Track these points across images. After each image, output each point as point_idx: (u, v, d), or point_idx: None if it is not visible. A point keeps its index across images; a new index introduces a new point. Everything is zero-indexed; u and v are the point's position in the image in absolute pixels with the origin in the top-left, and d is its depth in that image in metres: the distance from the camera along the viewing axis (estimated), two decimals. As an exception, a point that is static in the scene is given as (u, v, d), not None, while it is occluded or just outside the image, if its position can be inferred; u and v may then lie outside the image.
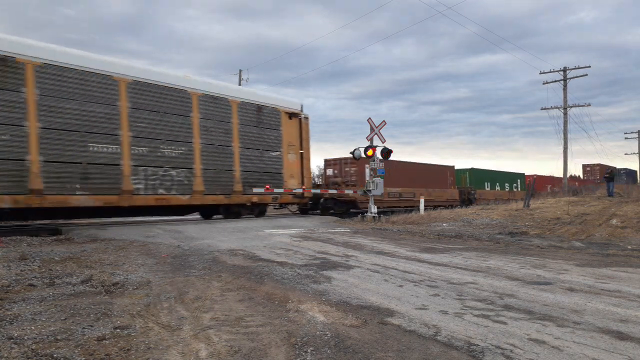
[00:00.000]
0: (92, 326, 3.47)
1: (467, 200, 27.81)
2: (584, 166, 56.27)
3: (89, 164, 11.18)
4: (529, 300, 4.32)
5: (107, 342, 3.14)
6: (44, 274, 5.40)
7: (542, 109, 37.78)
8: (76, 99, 10.99)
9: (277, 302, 4.23)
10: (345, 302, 4.26)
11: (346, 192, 18.27)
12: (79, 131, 11.03)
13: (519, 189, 35.79)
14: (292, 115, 16.18)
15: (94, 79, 11.29)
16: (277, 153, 15.97)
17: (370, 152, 15.54)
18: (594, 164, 55.19)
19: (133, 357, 2.90)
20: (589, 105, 36.80)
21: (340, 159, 21.66)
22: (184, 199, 13.10)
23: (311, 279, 5.28)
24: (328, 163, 22.04)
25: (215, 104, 13.99)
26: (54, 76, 10.67)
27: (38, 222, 12.30)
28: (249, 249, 7.80)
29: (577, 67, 35.24)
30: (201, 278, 5.38)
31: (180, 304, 4.19)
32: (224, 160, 14.32)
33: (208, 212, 15.68)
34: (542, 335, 3.29)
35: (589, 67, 34.53)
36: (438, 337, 3.25)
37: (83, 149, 11.11)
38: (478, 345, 3.08)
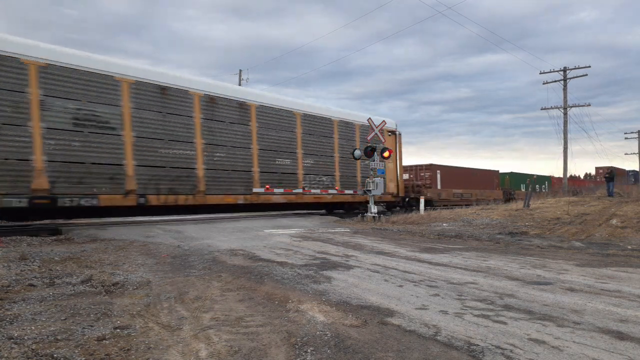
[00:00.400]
0: (92, 326, 3.47)
1: (508, 199, 31.18)
2: (597, 168, 61.81)
3: (282, 173, 15.84)
4: (529, 300, 4.32)
5: (107, 342, 3.14)
6: (44, 274, 5.40)
7: (542, 109, 37.81)
8: (275, 128, 15.74)
9: (277, 302, 4.23)
10: (345, 302, 4.26)
11: (346, 192, 18.36)
12: (276, 150, 15.73)
13: (546, 189, 40.73)
14: (391, 132, 20.23)
15: (283, 114, 16.06)
16: (382, 162, 20.04)
17: (370, 152, 15.55)
18: (607, 167, 58.83)
19: (133, 357, 2.90)
20: (589, 105, 36.82)
21: (415, 166, 26.13)
22: (328, 198, 17.73)
23: (311, 279, 5.28)
24: (404, 169, 24.59)
25: (346, 127, 18.82)
26: (265, 114, 15.45)
27: (38, 222, 12.32)
28: (249, 249, 7.80)
29: (577, 67, 35.26)
30: (201, 278, 5.38)
31: (180, 304, 4.19)
32: (351, 169, 18.92)
33: (333, 208, 19.44)
34: (542, 335, 3.29)
35: (589, 67, 34.56)
36: (438, 337, 3.25)
37: (277, 162, 15.75)
38: (478, 345, 3.08)
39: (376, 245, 8.56)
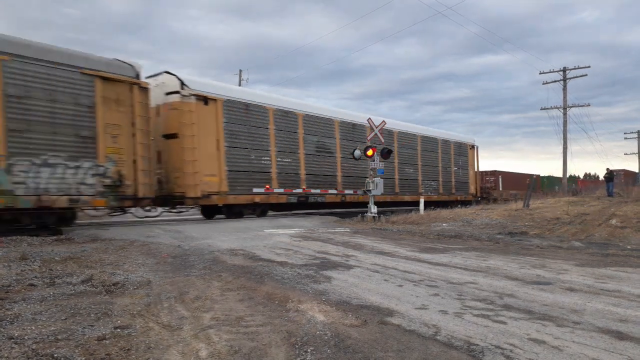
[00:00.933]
0: (92, 326, 3.48)
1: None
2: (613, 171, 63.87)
3: (410, 179, 22.09)
4: (529, 300, 4.33)
5: (107, 341, 3.15)
6: (44, 274, 5.41)
7: (541, 109, 37.82)
8: (427, 150, 23.26)
9: (277, 302, 4.23)
10: (345, 301, 4.26)
11: (346, 192, 18.47)
12: (415, 164, 22.52)
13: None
14: (471, 147, 27.08)
15: (423, 140, 23.04)
16: (466, 170, 26.71)
17: (370, 152, 15.54)
18: (619, 169, 61.62)
19: (133, 357, 2.90)
20: (589, 105, 36.87)
21: (481, 172, 31.12)
22: (434, 197, 23.22)
23: (311, 279, 5.29)
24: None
25: (445, 144, 24.92)
26: (427, 141, 23.38)
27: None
28: (249, 249, 7.80)
29: (576, 67, 35.27)
30: (201, 278, 5.38)
31: (181, 304, 4.19)
32: (448, 175, 25.13)
33: (431, 205, 22.84)
34: (541, 335, 3.30)
35: (589, 67, 34.57)
36: (438, 337, 3.25)
37: (416, 174, 22.47)
38: (478, 345, 3.09)
39: (376, 245, 8.56)
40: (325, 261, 6.64)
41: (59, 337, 3.22)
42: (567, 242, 9.07)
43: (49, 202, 9.92)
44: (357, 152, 16.17)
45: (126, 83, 11.33)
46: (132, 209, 12.63)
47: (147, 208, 12.73)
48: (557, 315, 3.78)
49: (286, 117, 16.15)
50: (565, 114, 36.35)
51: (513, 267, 6.21)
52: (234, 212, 14.71)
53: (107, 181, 10.91)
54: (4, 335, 3.20)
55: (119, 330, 3.39)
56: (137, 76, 11.66)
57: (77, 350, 2.96)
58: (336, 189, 17.98)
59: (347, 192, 18.42)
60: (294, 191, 16.19)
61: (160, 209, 13.72)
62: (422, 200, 19.19)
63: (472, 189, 26.74)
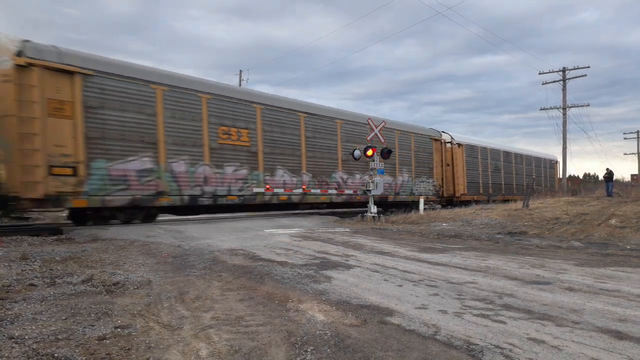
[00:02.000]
0: (92, 326, 3.49)
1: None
2: (632, 175, 69.03)
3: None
4: (528, 299, 4.34)
5: (107, 341, 3.15)
6: (44, 274, 5.41)
7: (541, 109, 37.85)
8: (519, 162, 31.82)
9: (277, 302, 4.24)
10: (345, 301, 4.27)
11: (346, 192, 18.48)
12: (531, 176, 30.25)
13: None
14: (555, 162, 36.79)
15: (513, 155, 30.92)
16: (553, 178, 36.11)
17: (370, 152, 15.55)
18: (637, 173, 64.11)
19: (134, 356, 2.91)
20: (588, 105, 36.89)
21: (558, 178, 40.77)
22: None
23: (311, 279, 5.30)
24: None
25: (544, 162, 34.72)
26: (537, 160, 34.20)
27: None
28: (249, 249, 7.81)
29: (576, 67, 35.28)
30: (201, 278, 5.39)
31: (181, 304, 4.20)
32: (545, 181, 33.76)
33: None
34: (541, 334, 3.31)
35: (588, 67, 34.60)
36: (437, 337, 3.26)
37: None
38: (477, 344, 3.10)
39: (376, 245, 8.57)
40: (325, 261, 6.65)
41: (60, 336, 3.22)
42: (566, 242, 9.08)
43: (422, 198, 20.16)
44: (357, 152, 16.18)
45: (439, 141, 23.05)
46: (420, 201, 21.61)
47: (431, 203, 22.44)
48: (557, 315, 3.79)
49: (484, 151, 26.79)
50: (564, 114, 36.38)
51: (512, 266, 6.22)
52: (464, 204, 22.65)
53: (435, 189, 22.82)
54: (4, 335, 3.21)
55: (119, 330, 3.40)
56: (440, 135, 23.72)
57: (77, 350, 2.97)
58: (488, 191, 27.26)
59: (493, 194, 27.97)
60: (487, 193, 26.83)
61: (438, 205, 23.42)
62: (421, 200, 19.20)
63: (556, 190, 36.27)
